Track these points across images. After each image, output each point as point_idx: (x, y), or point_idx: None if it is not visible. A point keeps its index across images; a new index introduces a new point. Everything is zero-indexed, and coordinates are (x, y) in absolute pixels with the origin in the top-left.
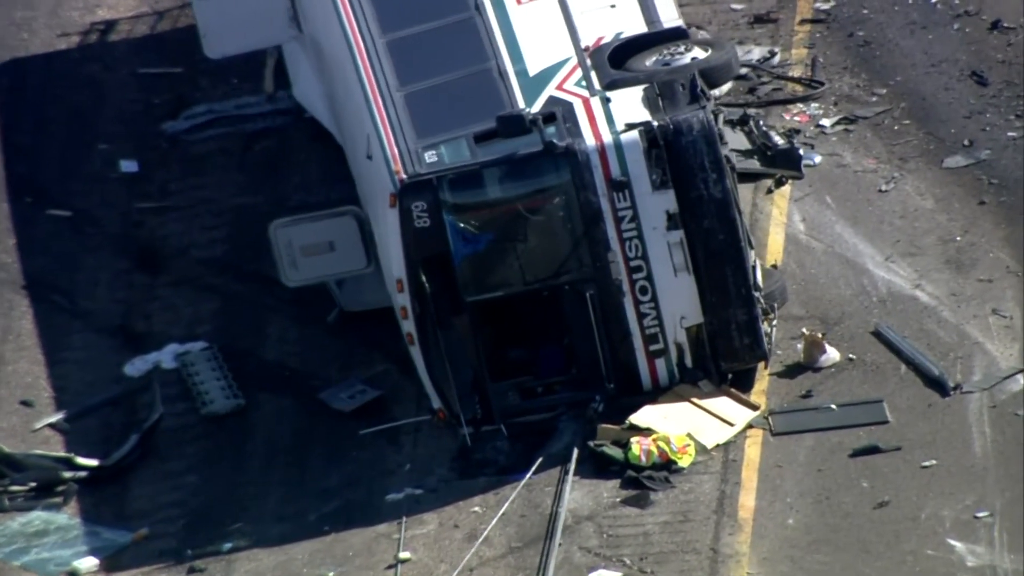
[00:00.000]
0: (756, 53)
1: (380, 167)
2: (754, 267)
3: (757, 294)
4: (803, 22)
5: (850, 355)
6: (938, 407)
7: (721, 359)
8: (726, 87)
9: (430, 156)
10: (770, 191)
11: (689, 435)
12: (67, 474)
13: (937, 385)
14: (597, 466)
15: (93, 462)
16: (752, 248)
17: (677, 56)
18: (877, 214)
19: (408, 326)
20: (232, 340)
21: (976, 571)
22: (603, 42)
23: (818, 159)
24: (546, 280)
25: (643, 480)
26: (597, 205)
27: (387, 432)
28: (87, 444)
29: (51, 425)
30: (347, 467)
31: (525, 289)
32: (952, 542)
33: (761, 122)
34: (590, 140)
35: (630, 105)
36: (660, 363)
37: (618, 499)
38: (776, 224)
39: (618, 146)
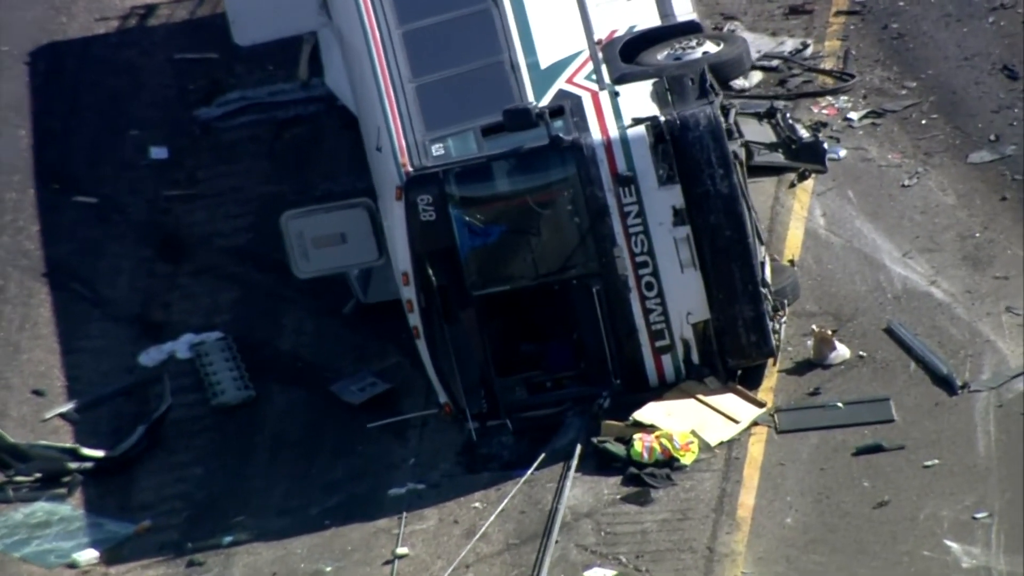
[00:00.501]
0: (789, 45)
1: (388, 159)
2: (763, 263)
3: (765, 290)
4: (838, 14)
5: (860, 352)
6: (945, 406)
7: (728, 356)
8: (756, 78)
9: (437, 149)
10: (793, 185)
11: (693, 432)
12: (72, 465)
13: (945, 384)
14: (600, 463)
15: (99, 453)
16: (763, 244)
17: (689, 50)
18: (898, 209)
19: (414, 319)
20: (248, 330)
21: (971, 572)
22: (616, 35)
23: (843, 153)
24: (552, 275)
25: (644, 477)
26: (603, 200)
27: (394, 426)
28: (97, 435)
29: (61, 415)
30: (353, 461)
31: (531, 283)
32: (949, 543)
33: (788, 115)
34: (597, 134)
35: (639, 100)
36: (666, 359)
37: (618, 496)
38: (796, 219)
39: (624, 141)
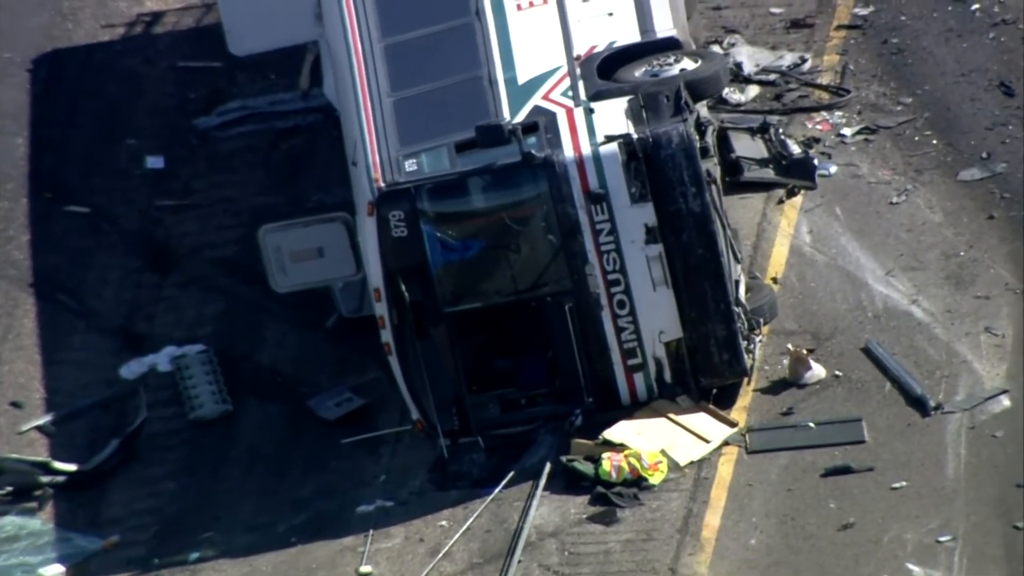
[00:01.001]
0: (787, 59)
1: (362, 174)
2: (737, 282)
3: (738, 309)
4: (839, 28)
5: (836, 372)
6: (917, 427)
7: (701, 375)
8: (753, 92)
9: (410, 165)
10: (781, 201)
11: (663, 451)
12: (44, 479)
13: (919, 404)
14: (568, 481)
15: (71, 467)
16: (739, 262)
17: (666, 67)
18: (884, 227)
19: (386, 336)
20: (231, 343)
21: None
22: (595, 51)
23: (833, 169)
24: (524, 292)
25: (611, 496)
26: (575, 217)
27: (368, 442)
28: (73, 447)
29: (38, 427)
30: (324, 477)
31: (503, 301)
32: (911, 566)
33: (780, 130)
34: (569, 152)
35: (614, 117)
36: (639, 378)
37: (584, 516)
38: (783, 235)
39: (597, 158)
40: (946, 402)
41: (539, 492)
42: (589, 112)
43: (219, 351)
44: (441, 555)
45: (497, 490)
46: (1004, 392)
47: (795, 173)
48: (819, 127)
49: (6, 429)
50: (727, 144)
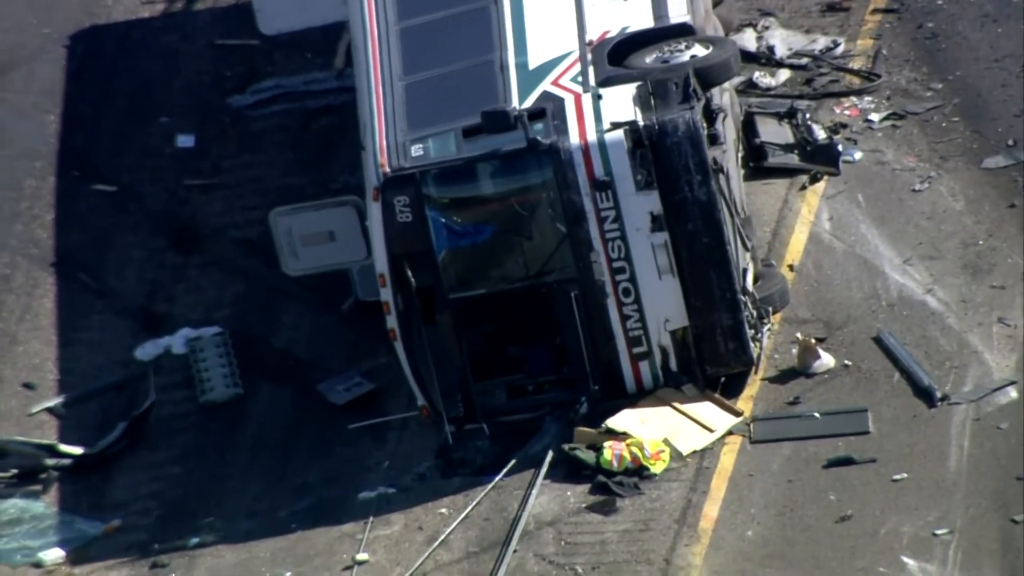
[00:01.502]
0: (820, 43)
1: (369, 159)
2: (745, 270)
3: (745, 298)
4: (875, 11)
5: (846, 361)
6: (922, 418)
7: (706, 364)
8: (784, 76)
9: (417, 150)
10: (803, 187)
11: (666, 441)
12: (50, 461)
13: (926, 395)
14: (570, 470)
15: (77, 450)
16: (748, 250)
17: (677, 53)
18: (905, 214)
19: (391, 321)
20: (247, 325)
21: None
22: (608, 37)
23: (858, 155)
24: (529, 279)
25: (612, 486)
26: (580, 204)
27: (374, 427)
28: (83, 429)
29: (49, 409)
30: (328, 463)
31: (508, 287)
32: (905, 559)
33: (807, 115)
34: (575, 138)
35: (622, 103)
36: (644, 366)
37: (584, 505)
38: (803, 222)
39: (602, 145)
40: (953, 393)
41: (539, 481)
42: (597, 98)
43: (235, 333)
44: (438, 543)
45: (498, 478)
46: (1012, 383)
47: (819, 159)
48: (847, 112)
49: (17, 410)
50: (753, 129)
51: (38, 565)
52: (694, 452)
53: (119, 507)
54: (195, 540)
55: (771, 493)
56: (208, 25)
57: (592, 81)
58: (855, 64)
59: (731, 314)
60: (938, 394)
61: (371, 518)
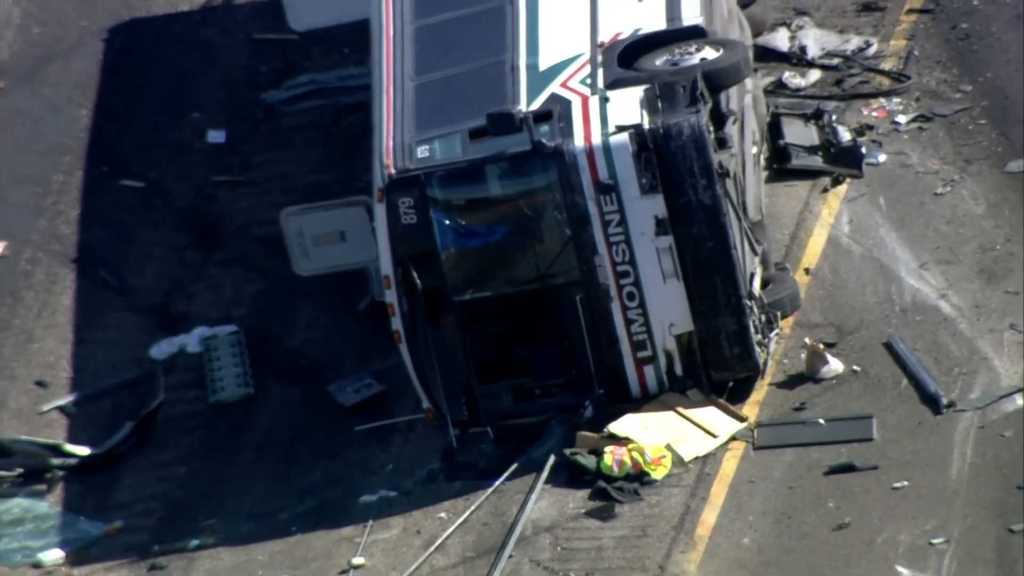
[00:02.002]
0: (853, 43)
1: (376, 159)
2: (752, 275)
3: (751, 303)
4: (910, 11)
5: (855, 367)
6: (927, 425)
7: (712, 368)
8: (814, 77)
9: (422, 151)
10: (825, 190)
11: (668, 446)
12: (55, 461)
13: (932, 402)
14: (571, 474)
15: (82, 450)
16: (757, 254)
17: (687, 56)
18: (925, 218)
19: (396, 324)
20: (263, 324)
21: None
22: (619, 38)
23: (883, 158)
24: (534, 282)
25: (611, 491)
26: (584, 207)
27: (381, 430)
28: (92, 429)
29: (60, 408)
30: (333, 464)
31: (513, 290)
32: (900, 568)
33: (834, 117)
34: (579, 141)
35: (629, 106)
36: (649, 370)
37: (582, 510)
38: (822, 225)
39: (607, 148)
40: (960, 400)
41: (539, 485)
42: (604, 101)
43: (251, 332)
44: (434, 548)
45: (498, 482)
46: (1019, 391)
47: (842, 161)
48: (875, 114)
49: (27, 408)
50: (778, 130)
51: (37, 565)
52: (696, 458)
53: (123, 508)
54: (195, 542)
55: (770, 500)
56: (247, 19)
57: (601, 84)
58: (886, 65)
59: (736, 319)
60: (944, 401)
61: (370, 522)
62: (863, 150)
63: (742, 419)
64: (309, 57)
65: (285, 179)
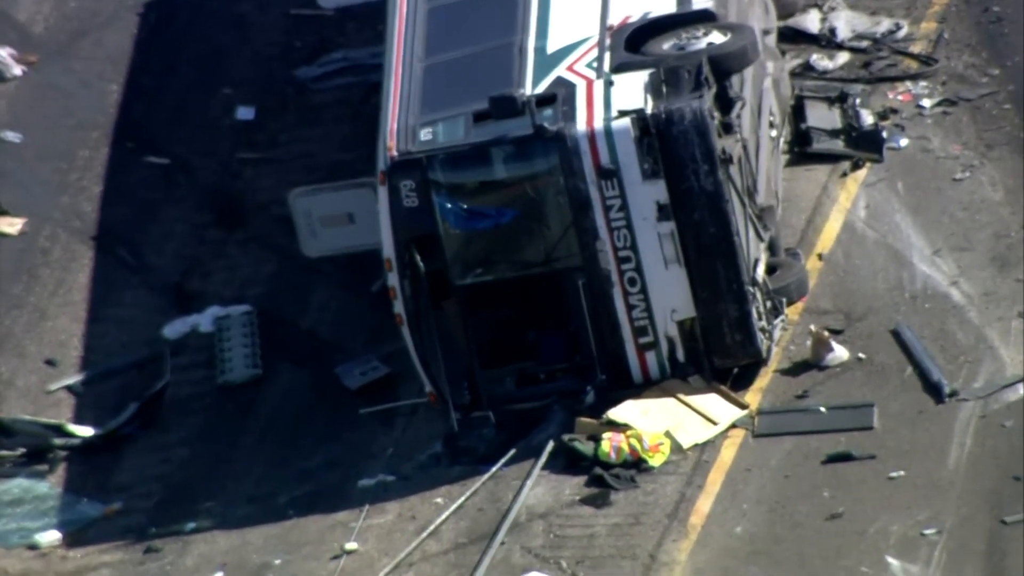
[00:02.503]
0: (884, 25)
1: (380, 141)
2: (757, 261)
3: (754, 290)
4: None
5: (860, 354)
6: (928, 414)
7: (714, 355)
8: (842, 59)
9: (425, 134)
10: (844, 174)
11: (667, 433)
12: (57, 441)
13: (935, 390)
14: (569, 461)
15: (85, 430)
16: (763, 240)
17: (694, 40)
18: (942, 204)
19: (397, 307)
20: (276, 305)
21: None
22: (628, 22)
23: (904, 142)
24: (535, 267)
25: (608, 478)
26: (586, 192)
27: (384, 413)
28: (98, 409)
29: (67, 387)
30: (334, 448)
31: (514, 275)
32: (890, 559)
33: (858, 100)
34: (581, 125)
35: (634, 90)
36: (650, 356)
37: (578, 497)
38: (839, 210)
39: (608, 133)
40: (964, 389)
41: (536, 471)
42: (609, 85)
43: (263, 312)
44: (426, 534)
45: (495, 468)
46: (1022, 380)
47: (863, 146)
48: (900, 98)
49: (35, 387)
50: (801, 113)
51: (34, 547)
52: (695, 445)
53: (123, 489)
54: (191, 525)
55: (766, 488)
56: None
57: (606, 67)
58: (915, 48)
59: (738, 305)
60: (947, 389)
61: (366, 506)
62: (884, 134)
63: (743, 406)
64: (343, 33)
65: (309, 157)
